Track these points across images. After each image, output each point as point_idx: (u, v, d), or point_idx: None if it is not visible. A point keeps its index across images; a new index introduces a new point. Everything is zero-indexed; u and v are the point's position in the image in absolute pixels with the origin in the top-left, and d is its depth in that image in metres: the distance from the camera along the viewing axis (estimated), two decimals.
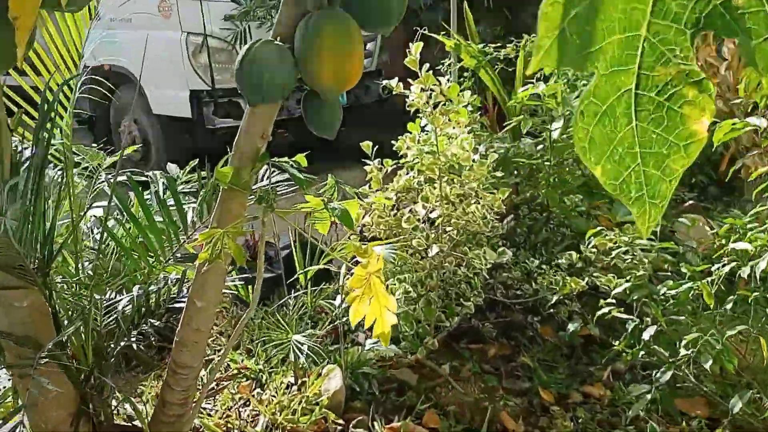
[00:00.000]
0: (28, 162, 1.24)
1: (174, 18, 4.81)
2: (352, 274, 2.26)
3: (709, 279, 1.79)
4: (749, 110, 2.73)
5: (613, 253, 2.08)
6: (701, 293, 1.81)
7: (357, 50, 1.13)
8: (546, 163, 2.61)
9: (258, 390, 2.36)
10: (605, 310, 2.05)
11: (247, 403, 2.31)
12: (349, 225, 1.41)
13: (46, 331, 1.33)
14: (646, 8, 0.32)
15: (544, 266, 2.49)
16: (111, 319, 1.64)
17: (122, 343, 1.63)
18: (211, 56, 4.49)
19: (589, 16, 0.32)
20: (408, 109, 2.34)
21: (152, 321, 1.63)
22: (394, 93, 2.20)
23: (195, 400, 1.72)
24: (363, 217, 2.24)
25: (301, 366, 2.28)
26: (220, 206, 1.38)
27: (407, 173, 2.39)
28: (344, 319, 2.27)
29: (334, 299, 2.37)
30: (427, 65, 2.08)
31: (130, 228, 1.68)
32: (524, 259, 2.56)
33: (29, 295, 1.29)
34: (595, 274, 2.28)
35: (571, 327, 2.11)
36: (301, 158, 1.33)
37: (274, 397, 2.26)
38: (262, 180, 1.67)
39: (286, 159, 1.30)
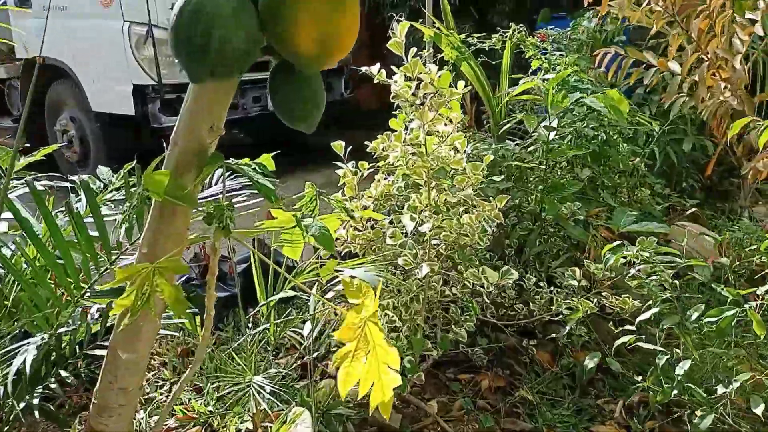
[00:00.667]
0: None
1: (115, 6, 4.35)
2: (326, 299, 1.89)
3: (752, 304, 1.51)
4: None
5: (632, 271, 1.78)
6: (742, 319, 1.53)
7: (353, 4, 0.78)
8: (541, 166, 2.30)
9: None
10: (625, 339, 1.74)
11: None
12: (329, 247, 1.05)
13: None
14: None
15: (541, 284, 2.18)
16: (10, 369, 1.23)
17: (23, 403, 1.23)
18: (157, 48, 4.04)
19: None
20: (391, 102, 2.00)
21: (63, 373, 1.23)
22: (381, 83, 1.84)
23: None
24: (336, 230, 1.87)
25: (261, 409, 1.90)
26: (152, 225, 1.00)
27: (385, 177, 2.04)
28: (318, 350, 1.91)
29: (302, 326, 1.99)
30: (414, 49, 1.73)
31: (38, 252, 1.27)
32: (519, 275, 2.24)
33: None
34: (603, 294, 1.98)
35: (589, 363, 1.80)
36: (267, 159, 0.96)
37: None
38: (211, 186, 1.30)
39: (247, 161, 0.93)
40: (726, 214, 3.07)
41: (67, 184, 1.73)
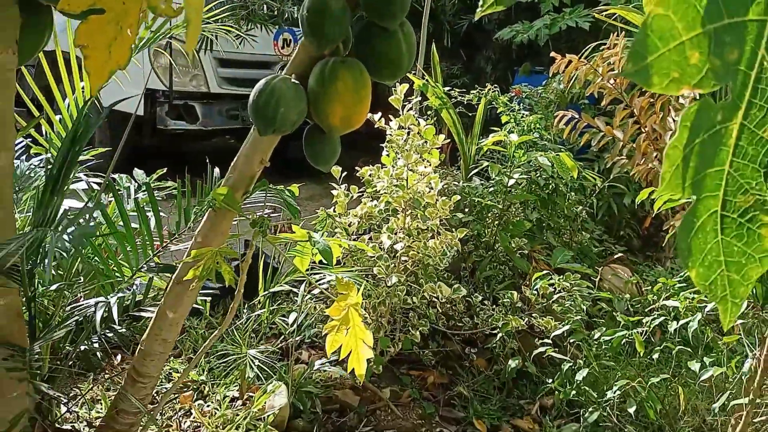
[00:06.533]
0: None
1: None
2: (312, 293, 2.31)
3: (640, 329, 1.99)
4: None
5: (555, 296, 2.25)
6: (632, 341, 2.00)
7: (366, 98, 1.23)
8: (498, 205, 2.78)
9: (200, 401, 2.36)
10: (542, 349, 2.21)
11: (188, 413, 2.30)
12: (329, 261, 1.48)
13: (18, 333, 1.32)
14: (729, 150, 0.43)
15: (486, 302, 2.64)
16: (70, 322, 1.63)
17: (81, 348, 1.63)
18: (173, 58, 4.45)
19: (695, 158, 0.43)
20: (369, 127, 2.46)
21: (115, 327, 1.64)
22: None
23: (152, 410, 1.73)
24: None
25: (248, 379, 2.31)
26: (208, 223, 1.43)
27: (371, 201, 2.48)
28: (300, 337, 2.32)
29: (286, 316, 2.41)
30: (410, 104, 2.20)
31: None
32: (468, 293, 2.70)
33: (7, 295, 1.28)
34: (533, 315, 2.45)
35: (512, 363, 2.26)
36: (294, 188, 1.40)
37: (217, 409, 2.27)
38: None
39: (281, 187, 1.37)
40: (652, 261, 3.59)
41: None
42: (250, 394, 2.34)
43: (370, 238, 2.36)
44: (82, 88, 1.76)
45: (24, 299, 1.32)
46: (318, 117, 1.25)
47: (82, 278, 1.53)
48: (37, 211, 1.24)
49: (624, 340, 2.00)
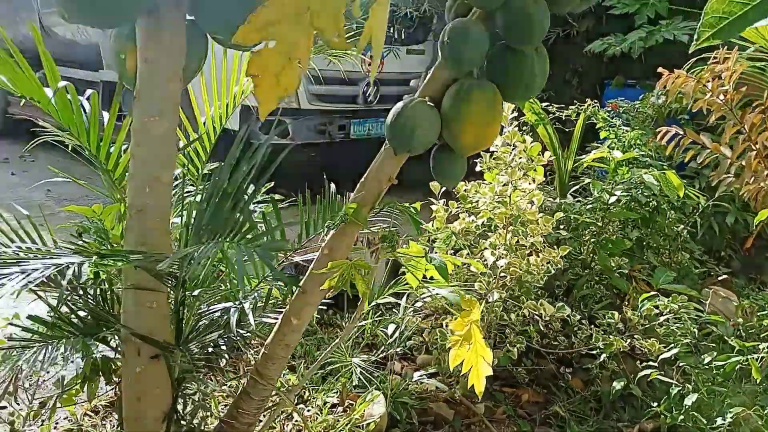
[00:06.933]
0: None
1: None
2: (413, 308, 2.36)
3: (755, 355, 1.91)
4: None
5: (660, 319, 2.20)
6: (744, 366, 1.93)
7: (498, 119, 1.27)
8: (597, 223, 2.74)
9: (301, 406, 2.45)
10: (647, 372, 2.16)
11: (290, 417, 2.40)
12: (445, 277, 1.53)
13: (162, 334, 1.44)
14: None
15: (583, 321, 2.60)
16: (198, 325, 1.74)
17: (209, 349, 1.74)
18: None
19: None
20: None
21: (240, 331, 1.74)
22: None
23: (268, 412, 1.82)
24: None
25: (348, 387, 2.38)
26: (336, 236, 1.50)
27: (469, 216, 2.51)
28: (398, 348, 2.38)
29: (386, 328, 2.47)
30: (517, 122, 2.23)
31: None
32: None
33: (158, 298, 1.40)
34: (635, 337, 2.39)
35: (616, 385, 2.22)
36: (417, 205, 1.45)
37: (318, 414, 2.35)
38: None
39: (406, 205, 1.43)
40: (757, 285, 3.43)
41: None
42: (350, 401, 2.41)
43: (468, 254, 2.39)
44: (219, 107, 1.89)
45: (173, 303, 1.43)
46: (450, 137, 1.30)
47: (222, 285, 1.64)
48: (212, 220, 1.35)
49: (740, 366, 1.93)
